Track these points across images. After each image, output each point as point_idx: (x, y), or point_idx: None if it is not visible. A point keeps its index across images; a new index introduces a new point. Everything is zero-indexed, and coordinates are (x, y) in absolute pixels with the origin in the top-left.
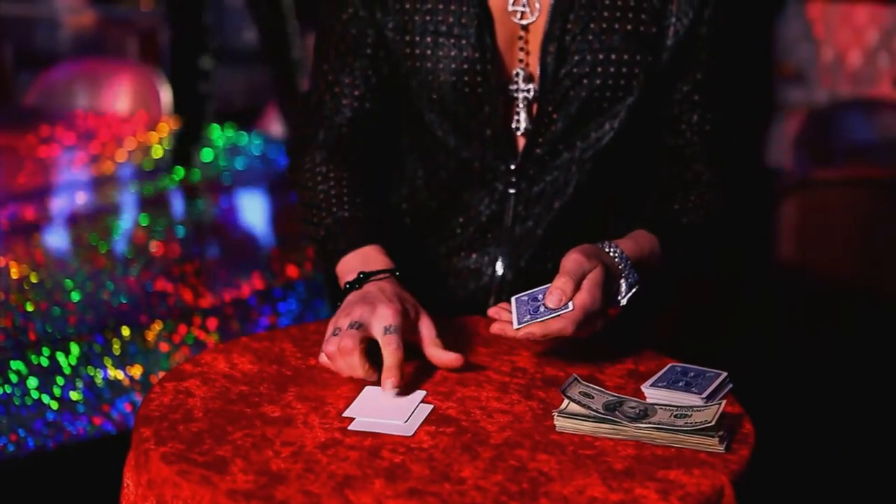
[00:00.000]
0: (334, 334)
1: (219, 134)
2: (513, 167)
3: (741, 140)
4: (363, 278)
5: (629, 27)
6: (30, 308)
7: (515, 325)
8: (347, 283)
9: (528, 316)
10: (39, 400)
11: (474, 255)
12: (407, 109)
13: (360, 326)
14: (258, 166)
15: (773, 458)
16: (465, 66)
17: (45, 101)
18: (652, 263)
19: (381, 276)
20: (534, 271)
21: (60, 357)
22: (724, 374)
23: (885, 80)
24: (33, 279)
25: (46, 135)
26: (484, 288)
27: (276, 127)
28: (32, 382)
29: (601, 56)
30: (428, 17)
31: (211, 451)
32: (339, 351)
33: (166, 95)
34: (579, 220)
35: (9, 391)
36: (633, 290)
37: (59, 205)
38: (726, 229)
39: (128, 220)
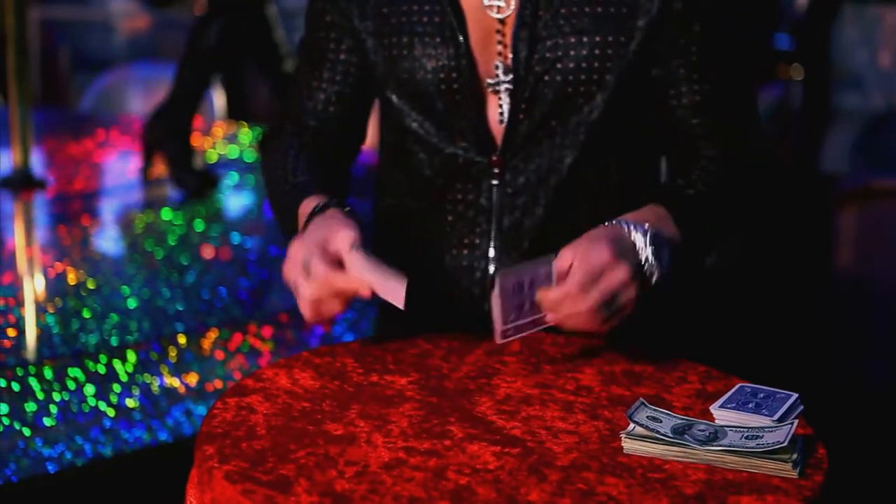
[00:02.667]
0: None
1: (250, 137)
2: (495, 159)
3: (748, 111)
4: (308, 218)
5: (599, 9)
6: (87, 315)
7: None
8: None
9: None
10: (96, 407)
11: (465, 252)
12: (389, 109)
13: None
14: None
15: (846, 484)
16: (442, 64)
17: (100, 105)
18: (666, 231)
19: (326, 208)
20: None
21: (117, 364)
22: (796, 395)
23: None
24: (90, 285)
25: (102, 139)
26: (478, 284)
27: None
28: (90, 390)
29: (573, 39)
30: (404, 19)
31: (274, 469)
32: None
33: (220, 100)
34: (570, 209)
35: (66, 398)
36: (651, 235)
37: (114, 210)
38: (749, 207)
39: (183, 225)
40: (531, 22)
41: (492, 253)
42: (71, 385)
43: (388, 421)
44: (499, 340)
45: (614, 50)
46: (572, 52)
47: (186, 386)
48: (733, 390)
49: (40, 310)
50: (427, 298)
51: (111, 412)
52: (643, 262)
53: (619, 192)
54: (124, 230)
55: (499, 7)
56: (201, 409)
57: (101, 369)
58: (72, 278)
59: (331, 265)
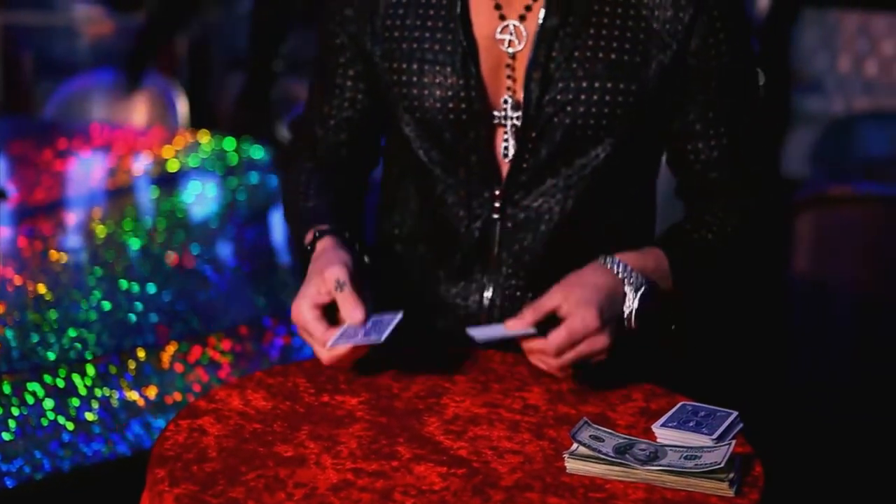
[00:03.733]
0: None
1: (233, 146)
2: (497, 193)
3: (766, 161)
4: (309, 250)
5: (613, 56)
6: (46, 328)
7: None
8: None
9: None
10: (55, 421)
11: (463, 282)
12: (396, 136)
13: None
14: (273, 181)
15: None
16: (450, 94)
17: (64, 113)
18: (660, 277)
19: (322, 237)
20: (525, 299)
21: (76, 378)
22: (735, 413)
23: None
24: (49, 297)
25: (63, 148)
26: (473, 315)
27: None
28: (48, 404)
29: (584, 84)
30: (415, 45)
31: (224, 492)
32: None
33: (183, 108)
34: (570, 247)
35: (25, 413)
36: (643, 293)
37: (75, 219)
38: (749, 255)
39: (143, 235)
40: (545, 63)
41: (488, 286)
42: (30, 399)
43: (338, 442)
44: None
45: (625, 97)
46: (583, 97)
47: (146, 399)
48: (675, 409)
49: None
50: (422, 324)
51: (70, 426)
52: (625, 317)
53: (620, 234)
54: (85, 240)
55: (511, 41)
56: (160, 423)
57: (60, 383)
58: (31, 290)
59: (326, 326)
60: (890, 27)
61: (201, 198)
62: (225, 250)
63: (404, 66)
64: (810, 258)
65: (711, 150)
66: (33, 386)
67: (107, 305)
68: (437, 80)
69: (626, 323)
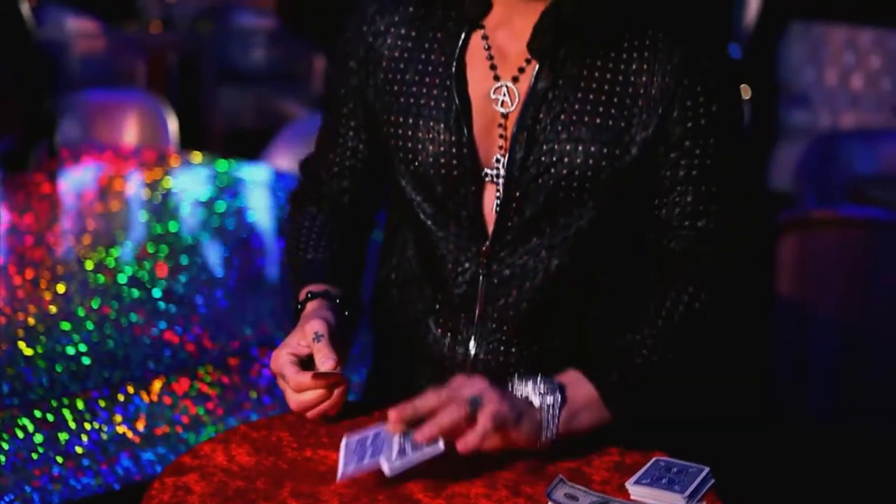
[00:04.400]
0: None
1: (224, 168)
2: (485, 249)
3: (742, 242)
4: (300, 307)
5: (598, 120)
6: (38, 363)
7: (340, 473)
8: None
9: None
10: (45, 455)
11: (449, 335)
12: (396, 185)
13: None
14: (264, 203)
15: None
16: (443, 150)
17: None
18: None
19: (313, 299)
20: (509, 353)
21: (66, 412)
22: (707, 469)
23: (887, 103)
24: (40, 329)
25: (54, 169)
26: (458, 368)
27: (283, 160)
28: (38, 438)
29: (568, 146)
30: (412, 100)
31: None
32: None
33: (174, 126)
34: (554, 305)
35: (15, 447)
36: (549, 392)
37: (65, 246)
38: (718, 334)
39: (133, 262)
40: (531, 124)
41: (472, 339)
42: (20, 434)
43: (319, 500)
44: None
45: (608, 161)
46: (566, 159)
47: (134, 431)
48: (649, 464)
49: None
50: (408, 373)
51: (59, 459)
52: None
53: (604, 294)
54: (75, 268)
55: (504, 101)
56: (149, 455)
57: (50, 417)
58: (21, 321)
59: (298, 370)
60: (876, 41)
61: (190, 223)
62: (213, 279)
63: (401, 119)
64: (793, 280)
65: (676, 206)
66: (23, 420)
67: (95, 337)
68: (431, 136)
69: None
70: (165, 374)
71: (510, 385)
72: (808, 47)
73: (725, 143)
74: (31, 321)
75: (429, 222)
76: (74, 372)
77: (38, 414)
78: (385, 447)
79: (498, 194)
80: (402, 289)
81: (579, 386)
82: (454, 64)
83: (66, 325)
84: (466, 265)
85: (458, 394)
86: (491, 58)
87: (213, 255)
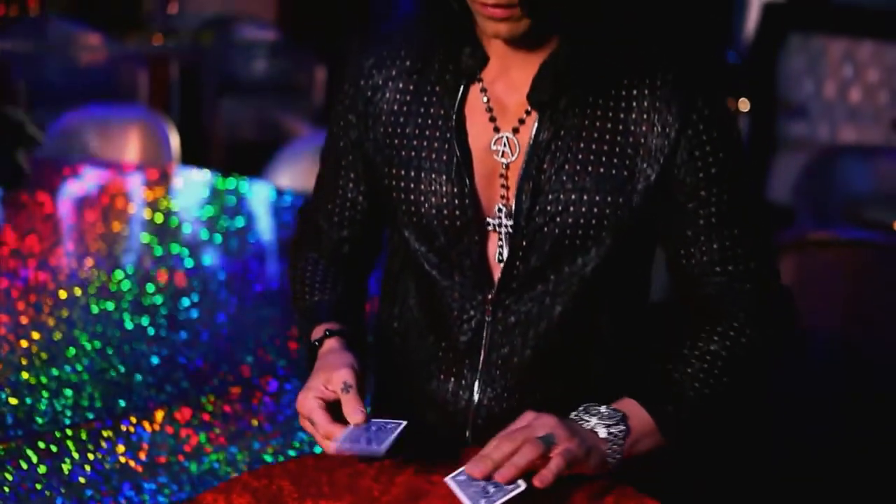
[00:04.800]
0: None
1: (226, 185)
2: (489, 296)
3: (761, 261)
4: (316, 345)
5: (602, 170)
6: (42, 393)
7: None
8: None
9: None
10: (48, 485)
11: (452, 380)
12: (397, 234)
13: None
14: (266, 223)
15: None
16: (445, 201)
17: (58, 149)
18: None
19: (331, 336)
20: (512, 399)
21: (69, 442)
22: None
23: (885, 116)
24: (44, 356)
25: (56, 187)
26: (461, 413)
27: (284, 178)
28: (42, 469)
29: (573, 196)
30: (413, 153)
31: None
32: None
33: (175, 141)
34: (558, 353)
35: (19, 478)
36: (616, 427)
37: (68, 269)
38: (764, 368)
39: (135, 287)
40: (535, 174)
41: (476, 385)
42: (24, 465)
43: None
44: None
45: (612, 209)
46: (572, 208)
47: (136, 461)
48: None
49: None
50: (411, 418)
51: (63, 490)
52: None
53: (606, 339)
54: (78, 293)
55: (504, 152)
56: (151, 485)
57: (54, 448)
58: (24, 348)
59: (329, 419)
60: (874, 55)
61: (192, 244)
62: (215, 303)
63: (402, 172)
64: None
65: (703, 255)
66: (27, 451)
67: (99, 364)
68: (433, 188)
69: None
70: (168, 403)
71: (577, 416)
72: (807, 60)
73: (738, 185)
74: (35, 348)
75: (433, 272)
76: (78, 402)
77: (41, 445)
78: (471, 490)
79: (500, 243)
80: (405, 336)
81: (639, 416)
82: (454, 116)
83: (71, 352)
84: (472, 313)
85: (530, 434)
86: (490, 109)
87: (215, 279)
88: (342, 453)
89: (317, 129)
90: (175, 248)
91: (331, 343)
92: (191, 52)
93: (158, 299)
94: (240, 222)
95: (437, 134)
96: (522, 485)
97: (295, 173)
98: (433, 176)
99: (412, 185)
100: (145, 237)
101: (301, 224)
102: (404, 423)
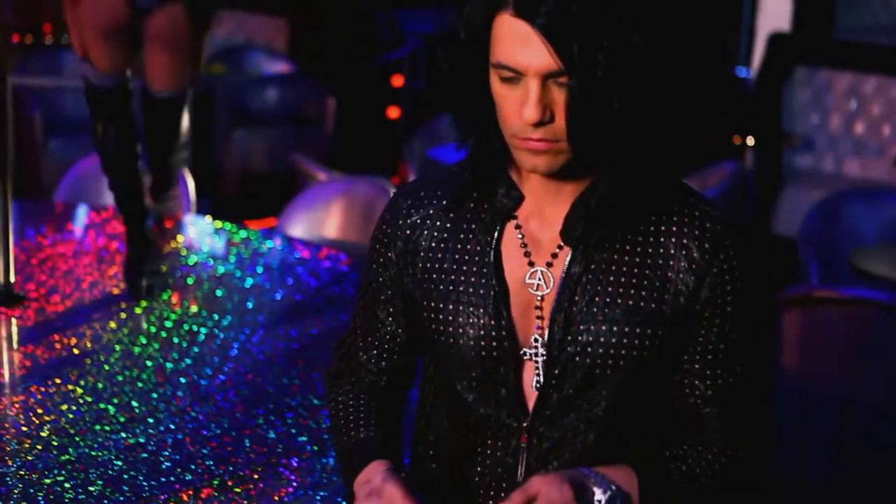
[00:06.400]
0: None
1: (236, 236)
2: (525, 424)
3: (756, 416)
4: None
5: (630, 302)
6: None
7: None
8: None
9: None
10: None
11: (490, 503)
12: (432, 365)
13: None
14: (281, 279)
15: None
16: (483, 333)
17: (76, 194)
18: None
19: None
20: None
21: None
22: None
23: (889, 150)
24: (71, 430)
25: (76, 237)
26: None
27: (298, 228)
28: None
29: (604, 327)
30: (451, 288)
31: None
32: None
33: (191, 186)
34: None
35: None
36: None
37: (91, 334)
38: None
39: (156, 353)
40: (568, 307)
41: None
42: None
43: None
44: None
45: (640, 341)
46: (602, 339)
47: None
48: None
49: (25, 466)
50: None
51: None
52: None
53: (640, 459)
54: (101, 361)
55: (539, 285)
56: None
57: None
58: (54, 423)
59: None
60: (878, 89)
61: (209, 303)
62: (236, 375)
63: (440, 305)
64: (797, 355)
65: (707, 388)
66: None
67: (125, 438)
68: (471, 321)
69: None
70: (194, 484)
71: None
72: (813, 93)
73: (753, 326)
74: (63, 421)
75: (469, 400)
76: (105, 488)
77: None
78: None
79: (537, 371)
80: (440, 462)
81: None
82: (491, 253)
83: (99, 426)
84: (507, 440)
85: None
86: (525, 245)
87: (232, 342)
88: None
89: (329, 170)
90: (197, 305)
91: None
92: (202, 82)
93: (179, 368)
94: (257, 279)
95: (475, 269)
96: None
97: (309, 223)
98: (471, 309)
99: (450, 318)
100: (166, 294)
101: (339, 357)
102: None
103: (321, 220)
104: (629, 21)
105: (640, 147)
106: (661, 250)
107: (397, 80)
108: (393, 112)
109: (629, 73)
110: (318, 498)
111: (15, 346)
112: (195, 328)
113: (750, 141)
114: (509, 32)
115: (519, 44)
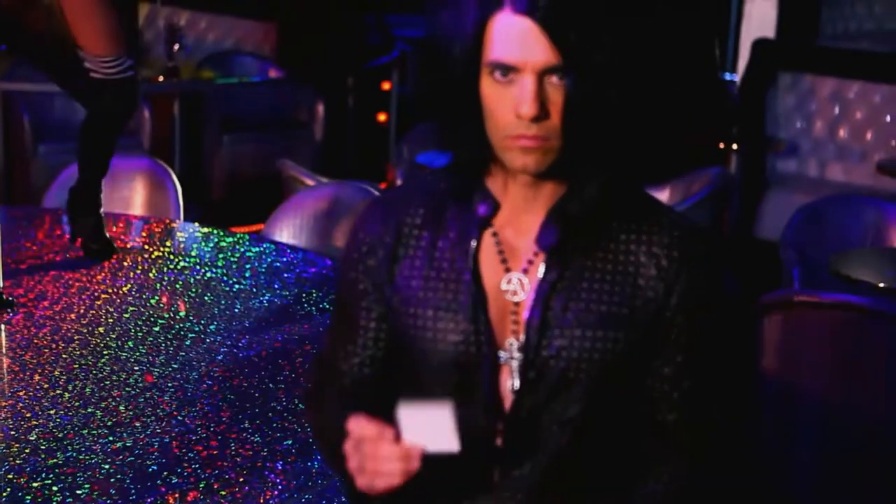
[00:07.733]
0: None
1: (224, 242)
2: (500, 427)
3: (723, 424)
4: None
5: (604, 308)
6: (59, 474)
7: None
8: None
9: None
10: None
11: (465, 502)
12: (410, 374)
13: None
14: (268, 284)
15: None
16: (462, 338)
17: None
18: None
19: None
20: None
21: None
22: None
23: (872, 155)
24: (60, 435)
25: (64, 244)
26: None
27: (286, 233)
28: None
29: (578, 332)
30: (430, 294)
31: None
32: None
33: (179, 194)
34: (567, 477)
35: None
36: None
37: (80, 338)
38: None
39: (144, 357)
40: (543, 312)
41: None
42: None
43: None
44: None
45: (614, 346)
46: (576, 344)
47: None
48: None
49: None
50: None
51: None
52: None
53: (616, 464)
54: (89, 367)
55: (515, 291)
56: None
57: None
58: (41, 428)
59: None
60: (861, 94)
61: (196, 307)
62: (222, 380)
63: (419, 311)
64: (777, 359)
65: (673, 390)
66: None
67: (111, 442)
68: (451, 326)
69: None
70: (181, 487)
71: None
72: (797, 98)
73: (722, 336)
74: (51, 426)
75: None
76: (93, 489)
77: None
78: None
79: (512, 374)
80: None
81: None
82: (469, 259)
83: (87, 433)
84: (483, 441)
85: None
86: (501, 252)
87: (219, 346)
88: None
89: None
90: (184, 309)
91: None
92: (191, 88)
93: (168, 372)
94: (245, 283)
95: (453, 276)
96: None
97: (297, 228)
98: (450, 315)
99: (429, 324)
100: (153, 298)
101: (316, 372)
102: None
103: (308, 225)
104: (626, 15)
105: (628, 149)
106: (632, 258)
107: (386, 86)
108: (382, 117)
109: (625, 68)
110: (303, 501)
111: (3, 350)
112: (182, 333)
113: (734, 144)
114: (506, 30)
115: (517, 40)
